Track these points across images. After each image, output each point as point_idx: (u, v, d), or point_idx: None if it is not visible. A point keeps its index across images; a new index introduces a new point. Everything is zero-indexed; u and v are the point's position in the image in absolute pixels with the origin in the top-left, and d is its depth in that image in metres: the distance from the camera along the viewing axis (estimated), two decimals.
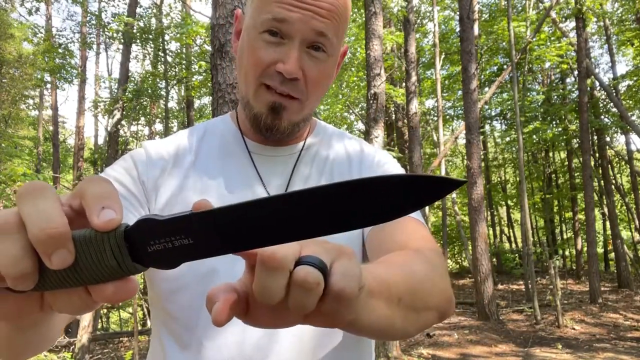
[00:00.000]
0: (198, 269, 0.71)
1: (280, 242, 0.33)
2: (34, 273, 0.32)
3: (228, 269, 0.69)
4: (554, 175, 17.89)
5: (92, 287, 0.33)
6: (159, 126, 16.15)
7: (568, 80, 15.49)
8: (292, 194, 0.32)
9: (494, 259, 17.16)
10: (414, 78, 9.46)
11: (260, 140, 0.81)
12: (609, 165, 13.96)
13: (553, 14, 11.36)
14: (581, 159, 11.55)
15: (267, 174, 0.79)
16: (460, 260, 21.41)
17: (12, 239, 0.31)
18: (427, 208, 12.99)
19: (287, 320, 0.39)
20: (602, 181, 13.39)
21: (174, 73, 12.59)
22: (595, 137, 13.22)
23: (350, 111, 13.03)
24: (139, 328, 8.22)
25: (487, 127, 17.90)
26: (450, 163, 19.46)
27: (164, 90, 12.15)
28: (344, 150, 0.86)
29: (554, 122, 14.62)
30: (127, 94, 10.95)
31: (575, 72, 11.85)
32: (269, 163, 0.80)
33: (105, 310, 13.04)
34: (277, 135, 0.76)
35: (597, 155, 13.44)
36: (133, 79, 12.86)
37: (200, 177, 0.78)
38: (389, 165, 0.86)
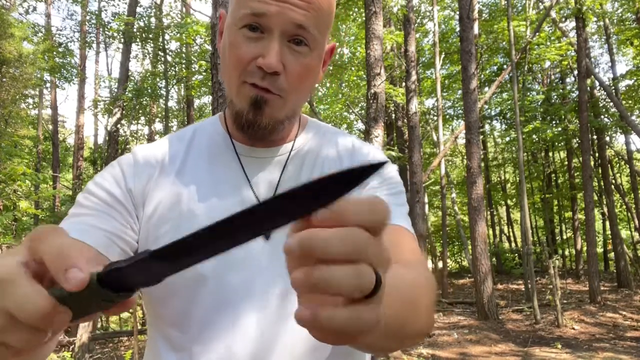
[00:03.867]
0: (185, 275, 0.71)
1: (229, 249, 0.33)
2: (46, 335, 0.36)
3: (216, 276, 0.71)
4: (553, 175, 17.89)
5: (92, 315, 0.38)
6: (159, 125, 16.14)
7: (568, 80, 15.50)
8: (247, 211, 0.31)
9: (494, 259, 17.17)
10: (413, 77, 9.46)
11: (247, 142, 0.79)
12: (609, 165, 13.96)
13: (553, 13, 11.36)
14: (581, 158, 11.55)
15: (256, 177, 0.77)
16: (459, 260, 21.44)
17: (21, 327, 0.35)
18: (426, 208, 12.98)
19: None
20: (601, 181, 13.39)
21: (174, 72, 12.61)
22: (595, 137, 13.22)
23: (350, 111, 13.02)
24: (139, 327, 8.22)
25: (487, 126, 17.91)
26: (450, 163, 19.45)
27: (164, 89, 12.16)
28: (335, 148, 0.84)
29: (553, 122, 14.63)
30: (127, 93, 10.95)
31: (575, 72, 11.85)
32: (257, 166, 0.78)
33: None
34: (259, 132, 0.73)
35: (596, 155, 13.44)
36: (133, 78, 12.86)
37: (189, 183, 0.76)
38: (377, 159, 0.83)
